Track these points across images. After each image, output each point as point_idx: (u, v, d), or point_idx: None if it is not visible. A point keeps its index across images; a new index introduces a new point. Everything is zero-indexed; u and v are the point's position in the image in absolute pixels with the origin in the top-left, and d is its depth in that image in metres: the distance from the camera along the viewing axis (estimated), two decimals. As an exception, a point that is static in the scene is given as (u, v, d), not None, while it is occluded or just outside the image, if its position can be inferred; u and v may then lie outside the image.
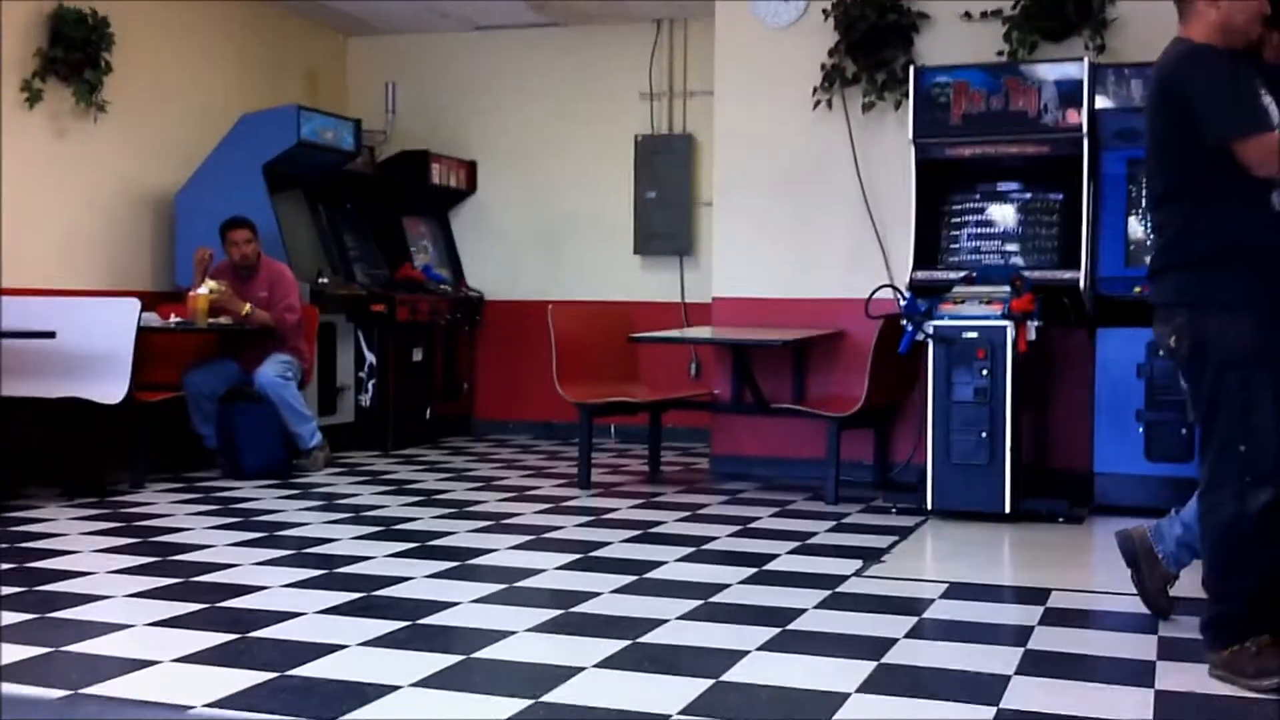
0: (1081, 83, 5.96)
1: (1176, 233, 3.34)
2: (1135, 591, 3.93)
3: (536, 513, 5.79)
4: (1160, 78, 3.37)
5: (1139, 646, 3.58)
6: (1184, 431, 5.56)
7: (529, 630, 3.68)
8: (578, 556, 4.78)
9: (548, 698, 3.03)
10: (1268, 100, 3.26)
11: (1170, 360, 3.43)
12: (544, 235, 9.07)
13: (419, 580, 4.32)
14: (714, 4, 7.22)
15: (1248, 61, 3.35)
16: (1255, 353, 3.18)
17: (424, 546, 4.93)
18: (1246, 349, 3.18)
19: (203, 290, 6.73)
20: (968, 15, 6.63)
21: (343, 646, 3.46)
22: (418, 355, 8.39)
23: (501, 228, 9.20)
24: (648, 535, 5.26)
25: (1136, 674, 3.30)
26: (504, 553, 4.86)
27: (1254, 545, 3.20)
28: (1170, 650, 3.52)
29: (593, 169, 8.94)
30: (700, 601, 4.05)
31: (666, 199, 8.66)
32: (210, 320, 6.76)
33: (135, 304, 6.18)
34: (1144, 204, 3.62)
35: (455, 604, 3.98)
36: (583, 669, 3.27)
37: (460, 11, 8.72)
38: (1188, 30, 3.37)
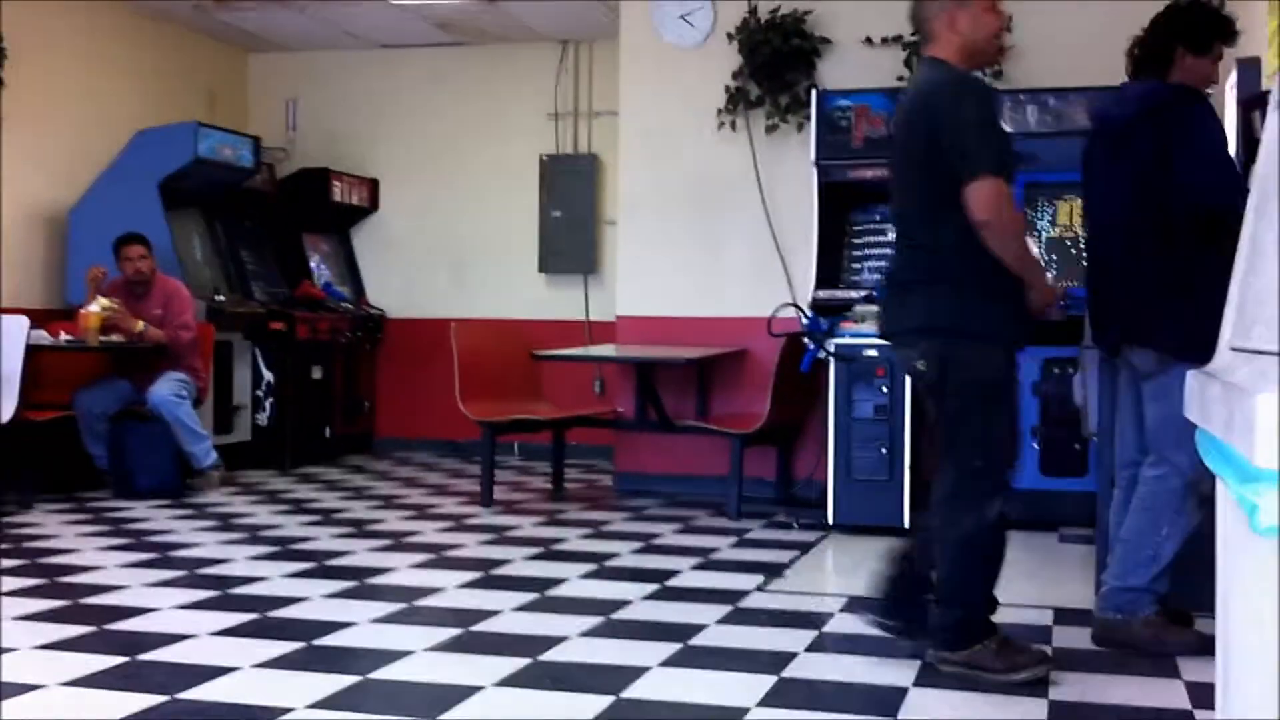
0: (978, 108, 6.07)
1: (925, 253, 3.37)
2: (1033, 604, 4.01)
3: (437, 531, 5.73)
4: (931, 98, 3.34)
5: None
6: (1077, 447, 5.69)
7: (428, 650, 3.63)
8: (479, 575, 4.73)
9: (446, 718, 2.99)
10: None
11: (916, 380, 3.54)
12: (447, 253, 9.01)
13: (316, 600, 4.25)
14: (619, 25, 7.25)
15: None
16: (1002, 382, 3.37)
17: (321, 566, 4.85)
18: (995, 379, 3.35)
19: (94, 308, 6.56)
20: (869, 41, 6.73)
21: (236, 669, 3.38)
22: (317, 373, 8.27)
23: (404, 245, 9.12)
24: (550, 552, 5.23)
25: (1030, 684, 3.35)
26: (404, 571, 4.80)
27: (991, 552, 3.39)
28: (1064, 661, 3.58)
29: (498, 188, 8.90)
30: (602, 618, 4.03)
31: (571, 218, 8.66)
32: (102, 338, 6.60)
33: (24, 321, 6.03)
34: (893, 216, 3.62)
35: (352, 624, 3.92)
36: (482, 688, 3.24)
37: (365, 30, 8.64)
38: (935, 51, 3.41)
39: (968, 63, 3.41)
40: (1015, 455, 3.53)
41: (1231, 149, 4.07)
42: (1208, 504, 3.42)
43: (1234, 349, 1.80)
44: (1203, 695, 3.03)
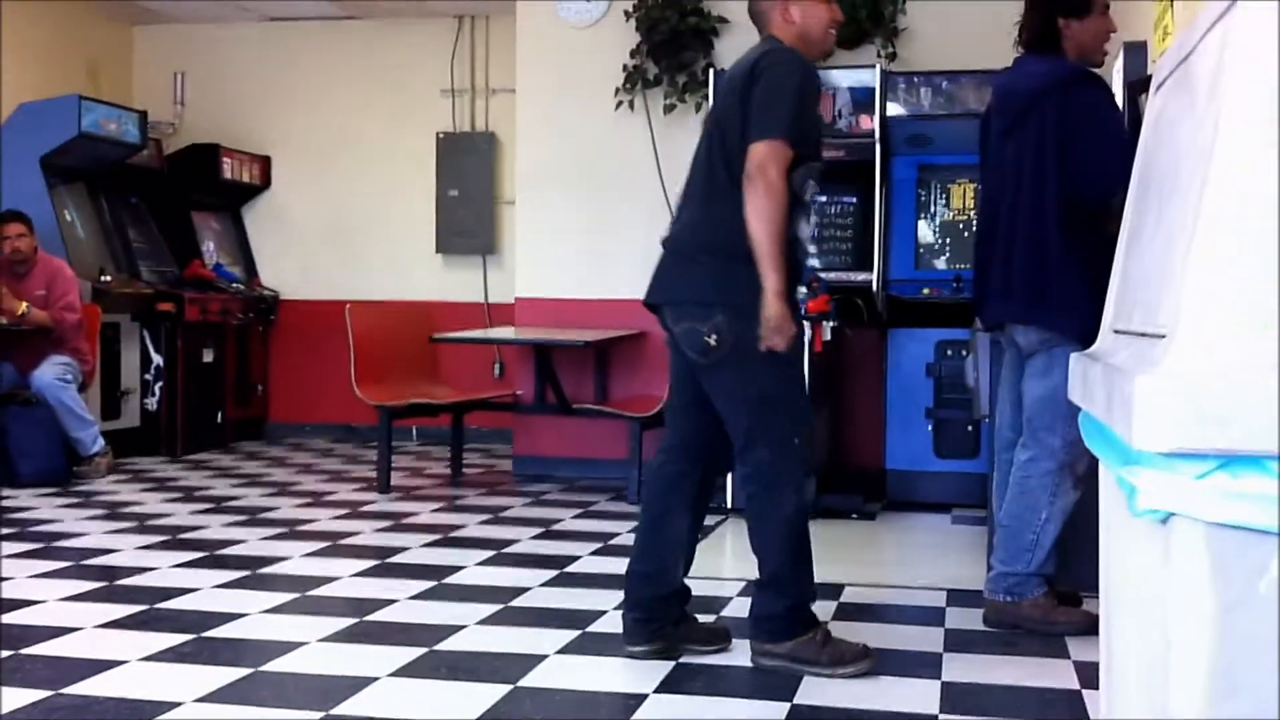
0: (874, 90, 6.12)
1: (713, 218, 3.28)
2: (926, 586, 4.05)
3: (332, 518, 5.63)
4: (754, 66, 3.28)
5: (926, 639, 3.68)
6: (970, 429, 5.77)
7: (321, 640, 3.57)
8: (375, 563, 4.66)
9: (339, 709, 2.94)
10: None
11: (703, 358, 3.29)
12: (342, 233, 8.86)
13: (206, 591, 4.15)
14: (515, 1, 7.17)
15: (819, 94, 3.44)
16: (796, 352, 3.26)
17: (212, 555, 4.75)
18: (793, 352, 3.24)
19: (-28, 288, 6.35)
20: (766, 21, 6.72)
21: (122, 662, 3.29)
22: (208, 356, 8.09)
23: (297, 225, 8.95)
24: (448, 539, 5.17)
25: (925, 666, 3.39)
26: (297, 560, 4.71)
27: (808, 538, 3.33)
28: (956, 642, 3.63)
29: (393, 166, 8.77)
30: (500, 606, 4.00)
31: (469, 197, 8.56)
32: (-19, 320, 6.39)
33: (-104, 303, 5.80)
34: (692, 180, 3.44)
35: (244, 615, 3.84)
36: (376, 679, 3.19)
37: (254, 3, 8.44)
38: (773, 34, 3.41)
39: (804, 51, 3.37)
40: (725, 445, 3.41)
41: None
42: (1084, 483, 3.50)
43: (1116, 331, 1.82)
44: (1090, 674, 3.08)
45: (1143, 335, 1.62)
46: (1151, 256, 1.70)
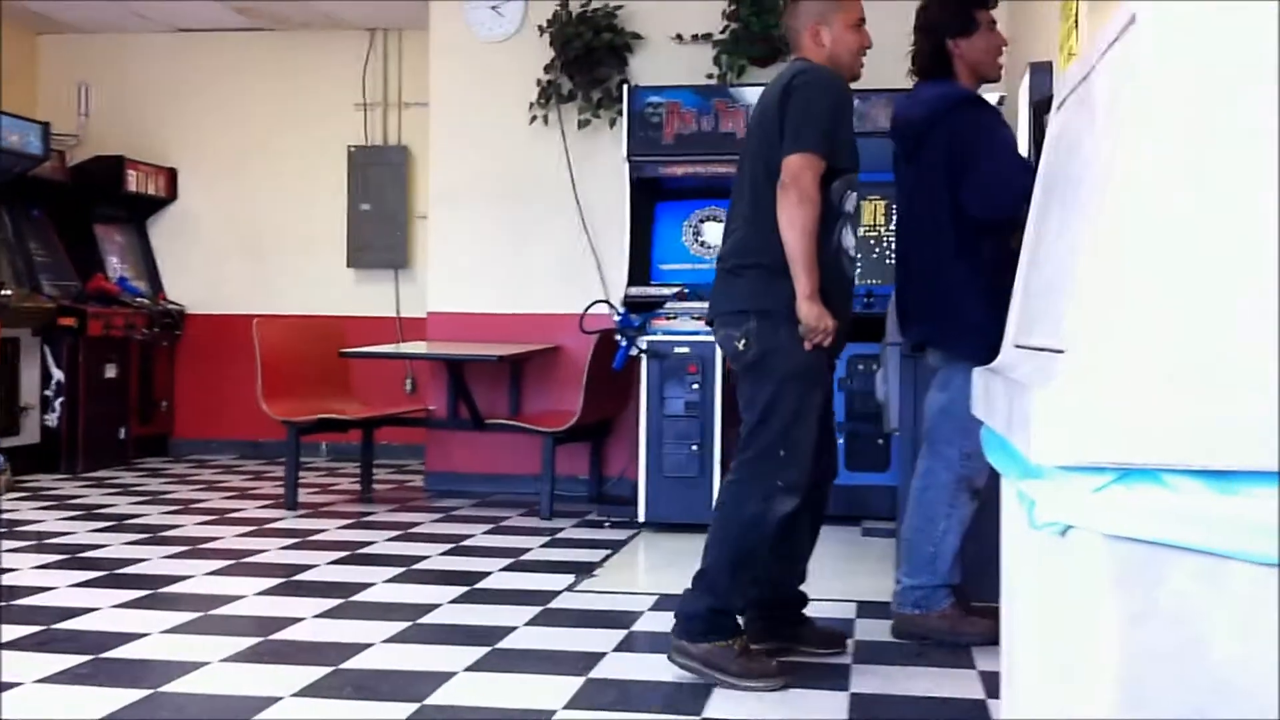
0: (786, 107, 6.16)
1: (758, 235, 3.36)
2: (836, 598, 4.08)
3: (238, 536, 5.52)
4: (786, 85, 3.37)
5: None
6: (880, 442, 5.82)
7: (224, 660, 3.49)
8: (280, 581, 4.58)
9: (240, 731, 2.88)
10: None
11: (735, 363, 3.45)
12: (250, 246, 8.72)
13: (105, 611, 4.05)
14: (428, 14, 7.12)
15: (852, 106, 3.52)
16: (813, 371, 3.35)
17: (112, 575, 4.63)
18: (807, 366, 3.33)
19: None
20: (679, 38, 6.76)
21: (18, 684, 3.20)
22: (111, 372, 7.90)
23: (204, 238, 8.78)
24: (356, 556, 5.10)
25: (833, 678, 3.40)
26: (200, 579, 4.61)
27: (765, 548, 3.36)
28: (865, 654, 3.65)
29: (303, 179, 8.65)
30: (408, 623, 3.94)
31: (381, 211, 8.47)
32: None
33: None
34: (736, 201, 3.53)
35: (144, 635, 3.75)
36: (280, 699, 3.12)
37: (159, 13, 8.29)
38: (802, 55, 3.50)
39: None
40: (821, 453, 3.46)
41: (1023, 150, 4.21)
42: (980, 495, 3.55)
43: (1017, 345, 1.84)
44: (996, 684, 3.10)
45: (1043, 350, 1.64)
46: (1052, 273, 1.72)
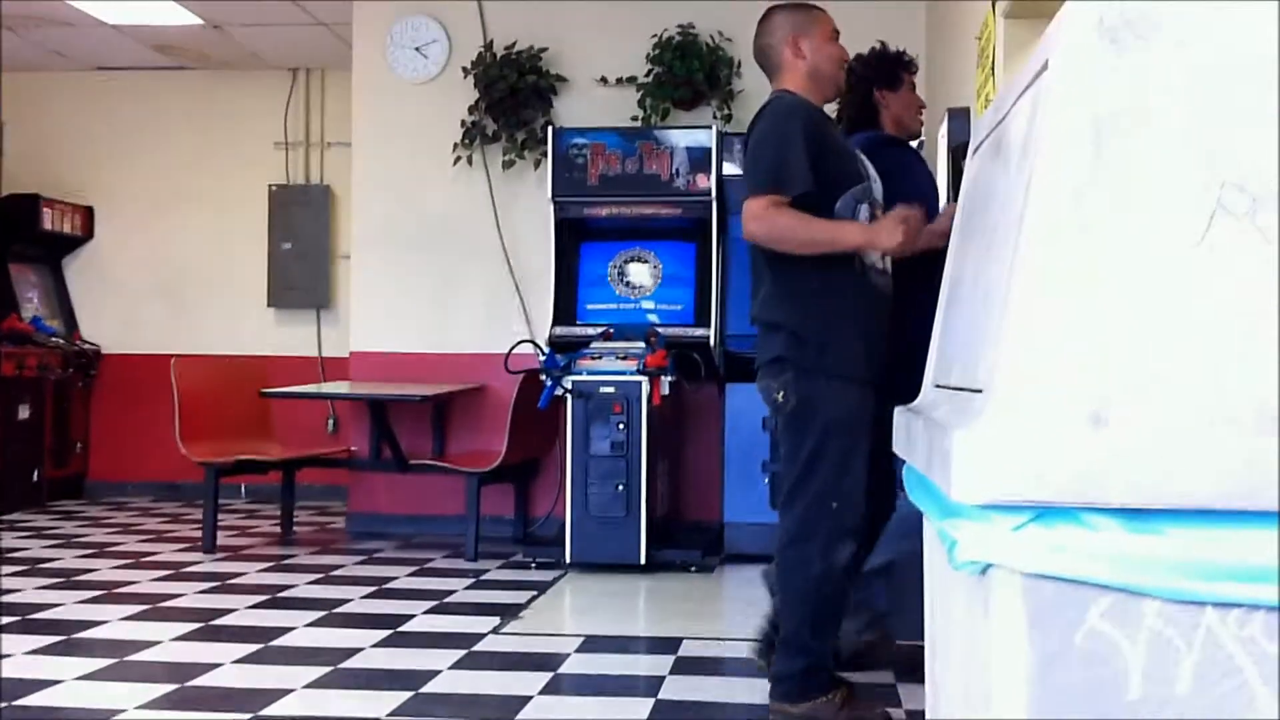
0: (710, 149, 6.23)
1: (784, 290, 3.33)
2: (761, 637, 4.07)
3: (154, 580, 5.41)
4: (748, 130, 3.41)
5: (764, 692, 3.68)
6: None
7: (139, 708, 3.42)
8: (197, 625, 4.49)
9: (155, 782, 2.80)
10: (865, 170, 3.43)
11: (774, 413, 3.43)
12: (169, 286, 8.59)
13: (17, 658, 3.94)
14: (351, 54, 7.10)
15: (828, 121, 3.50)
16: (856, 420, 3.27)
17: (24, 620, 4.51)
18: (849, 416, 3.26)
19: None
20: (604, 80, 6.80)
21: (-83, 739, 3.10)
22: (24, 413, 7.73)
23: (121, 277, 8.64)
24: (276, 600, 5.01)
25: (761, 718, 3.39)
26: (115, 624, 4.50)
27: (839, 599, 3.31)
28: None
29: (224, 218, 8.56)
30: (329, 668, 3.88)
31: (303, 251, 8.40)
32: None
33: None
34: (750, 255, 3.56)
35: (57, 682, 3.66)
36: (196, 748, 3.06)
37: (79, 51, 8.17)
38: (782, 84, 3.45)
39: (814, 90, 3.40)
40: (876, 497, 3.39)
41: (943, 193, 4.29)
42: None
43: (937, 385, 1.86)
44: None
45: (961, 390, 1.66)
46: (970, 314, 1.75)
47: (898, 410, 1.98)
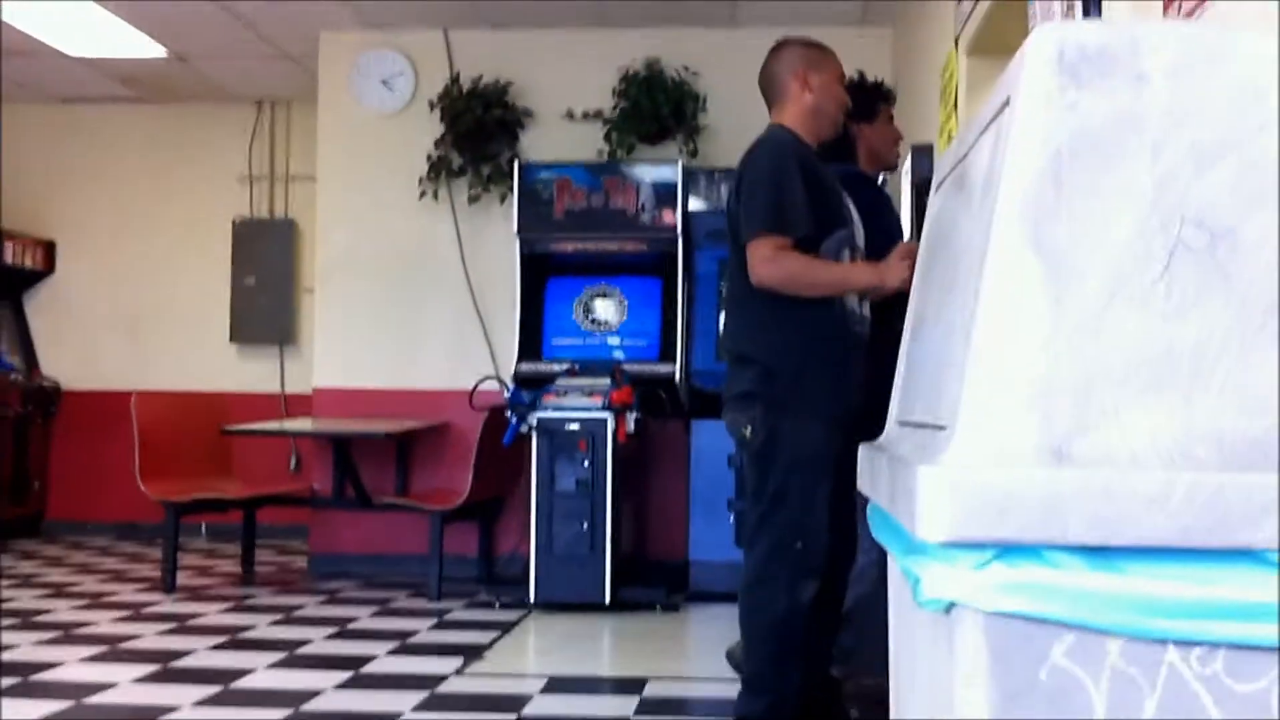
0: (676, 185, 6.24)
1: (758, 324, 3.32)
2: (730, 678, 4.05)
3: (113, 621, 5.33)
4: (741, 163, 3.39)
5: (728, 731, 3.66)
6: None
7: (93, 753, 3.35)
8: (156, 667, 4.41)
9: (106, 829, 2.74)
10: (850, 211, 3.44)
11: (741, 448, 3.41)
12: (130, 321, 8.52)
13: (-33, 703, 3.86)
14: (317, 87, 7.09)
15: (819, 162, 3.47)
16: (822, 459, 3.23)
17: (-24, 664, 4.43)
18: (815, 454, 3.23)
19: None
20: (570, 114, 6.81)
21: None
22: (-19, 450, 7.64)
23: (82, 312, 8.57)
24: (236, 641, 4.94)
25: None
26: (72, 666, 4.43)
27: (803, 637, 3.27)
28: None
29: (186, 252, 8.51)
30: (291, 710, 3.82)
31: (266, 285, 8.35)
32: None
33: None
34: (727, 285, 3.56)
35: (8, 728, 3.58)
36: (150, 793, 2.99)
37: (41, 83, 8.13)
38: (780, 116, 3.45)
39: (811, 126, 3.40)
40: (840, 536, 3.33)
41: (906, 229, 4.30)
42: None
43: (900, 422, 1.85)
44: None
45: (924, 426, 1.65)
46: (933, 350, 1.74)
47: (862, 447, 1.97)
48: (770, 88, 3.49)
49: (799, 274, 3.22)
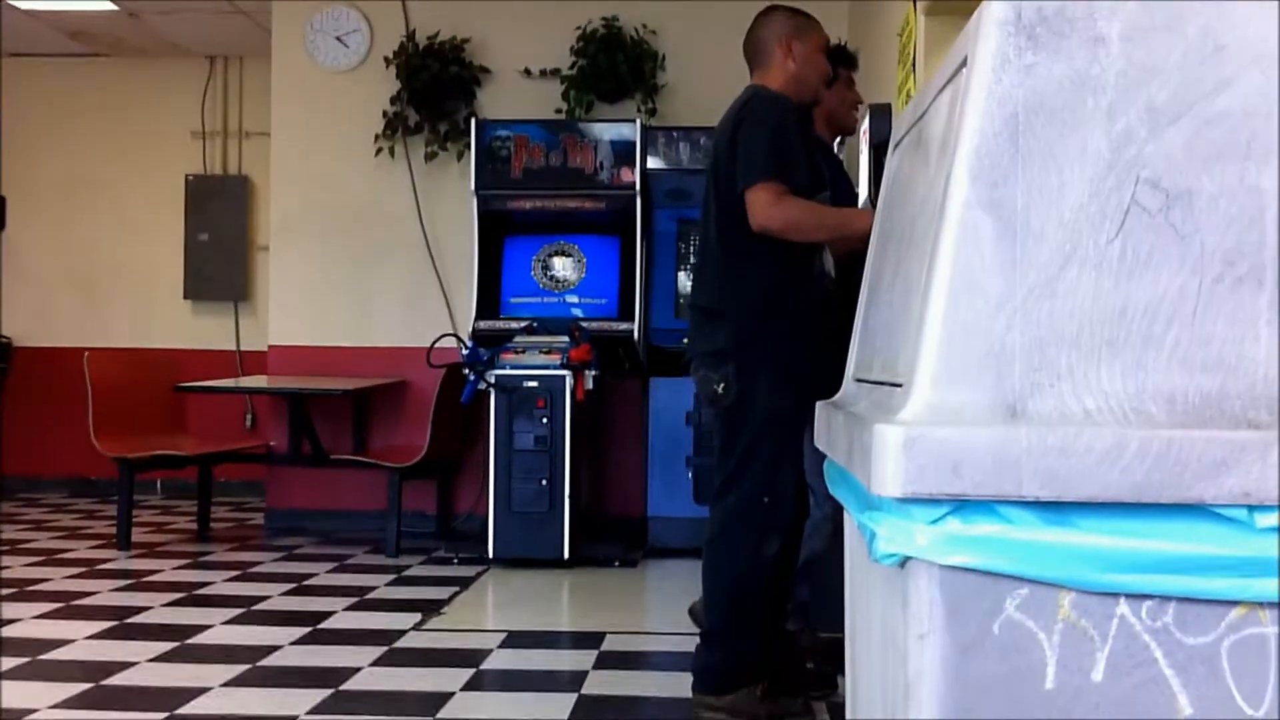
0: (634, 143, 6.22)
1: (734, 280, 3.31)
2: (687, 631, 4.09)
3: (67, 578, 5.30)
4: (733, 118, 3.34)
5: (685, 685, 3.69)
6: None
7: (53, 707, 3.35)
8: (112, 624, 4.41)
9: (65, 785, 2.75)
10: (825, 177, 3.44)
11: (711, 405, 3.40)
12: (82, 278, 8.42)
13: (-80, 661, 3.84)
14: (270, 42, 7.00)
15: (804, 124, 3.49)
16: (793, 418, 3.21)
17: (-71, 622, 4.40)
18: (787, 413, 3.22)
19: None
20: (527, 72, 6.77)
21: None
22: (-69, 408, 7.54)
23: (34, 269, 8.46)
24: (192, 598, 4.94)
25: (683, 712, 3.40)
26: (28, 623, 4.41)
27: (764, 593, 3.28)
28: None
29: (139, 209, 8.41)
30: (248, 666, 3.83)
31: (220, 242, 8.27)
32: None
33: None
34: (700, 241, 3.53)
35: (-37, 685, 3.57)
36: (109, 749, 3.00)
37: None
38: (763, 79, 3.43)
39: (792, 92, 3.38)
40: (803, 495, 3.34)
41: (864, 189, 4.32)
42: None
43: (857, 380, 1.87)
44: (842, 715, 3.15)
45: (881, 384, 1.67)
46: (889, 308, 1.76)
47: (819, 405, 1.99)
48: (755, 52, 3.49)
49: (803, 218, 3.21)
